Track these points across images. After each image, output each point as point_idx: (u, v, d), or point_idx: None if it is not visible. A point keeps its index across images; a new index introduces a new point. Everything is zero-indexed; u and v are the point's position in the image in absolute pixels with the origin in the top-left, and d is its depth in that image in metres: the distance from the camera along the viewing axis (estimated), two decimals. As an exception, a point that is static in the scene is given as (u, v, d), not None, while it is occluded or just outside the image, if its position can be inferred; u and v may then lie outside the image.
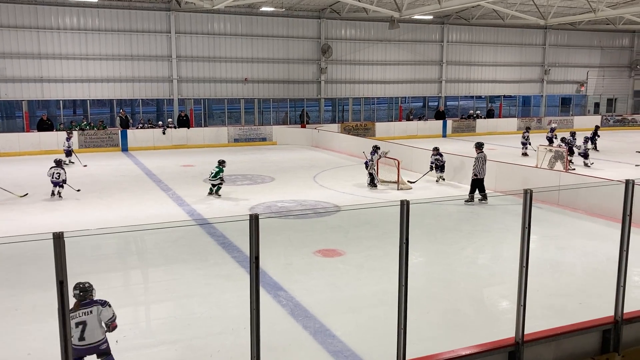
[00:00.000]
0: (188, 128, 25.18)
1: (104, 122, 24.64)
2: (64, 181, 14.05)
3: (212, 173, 14.37)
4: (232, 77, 26.91)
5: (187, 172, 18.32)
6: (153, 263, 9.32)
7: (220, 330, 6.56)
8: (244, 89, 27.27)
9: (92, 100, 25.42)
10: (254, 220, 3.88)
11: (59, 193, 13.98)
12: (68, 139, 20.45)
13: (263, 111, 29.08)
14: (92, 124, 24.16)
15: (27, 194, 14.23)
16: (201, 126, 26.82)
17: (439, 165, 16.05)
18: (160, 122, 25.48)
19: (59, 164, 14.20)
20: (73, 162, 19.69)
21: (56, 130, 23.26)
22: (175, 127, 24.97)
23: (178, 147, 24.58)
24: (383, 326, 6.66)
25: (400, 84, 30.88)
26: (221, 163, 14.52)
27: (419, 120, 31.00)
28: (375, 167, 15.75)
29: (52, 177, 13.91)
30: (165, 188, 15.57)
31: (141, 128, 24.91)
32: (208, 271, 8.74)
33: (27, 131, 23.34)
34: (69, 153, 20.07)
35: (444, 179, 16.01)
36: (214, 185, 14.41)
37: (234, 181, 16.76)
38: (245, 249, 9.55)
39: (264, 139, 26.59)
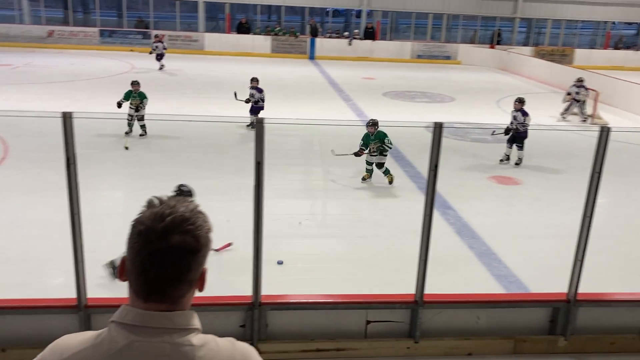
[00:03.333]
0: (373, 40, 25.14)
1: (295, 29, 25.56)
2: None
3: None
4: (424, -10, 25.94)
5: (368, 85, 18.52)
6: (331, 164, 9.81)
7: (387, 235, 6.82)
8: (434, 3, 26.19)
9: (286, 7, 26.35)
10: (438, 128, 3.88)
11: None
12: (159, 41, 19.39)
13: (451, 28, 27.84)
14: (284, 31, 25.21)
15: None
16: (386, 40, 26.59)
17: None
18: (346, 33, 25.74)
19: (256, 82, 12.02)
20: (164, 66, 19.08)
21: (252, 34, 24.71)
22: (361, 39, 25.08)
23: (361, 59, 24.76)
24: (554, 259, 6.40)
25: (611, 6, 27.15)
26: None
27: (628, 49, 27.36)
28: (575, 101, 14.34)
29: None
30: (346, 98, 15.98)
31: (329, 38, 25.44)
32: (380, 180, 8.98)
33: (228, 32, 25.15)
34: (161, 56, 19.15)
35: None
36: None
37: (412, 98, 16.61)
38: (417, 164, 9.61)
39: (448, 57, 25.64)
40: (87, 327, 3.84)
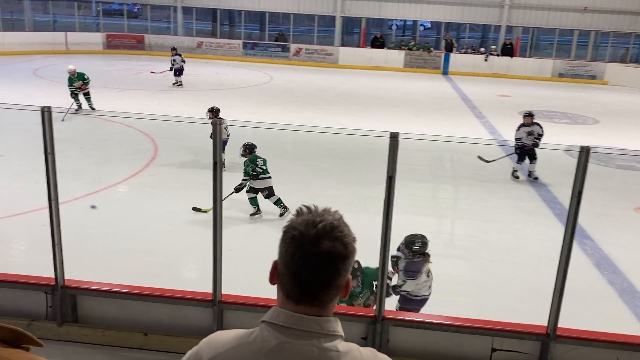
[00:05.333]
0: (511, 57, 24.18)
1: (430, 44, 25.32)
2: None
3: None
4: (569, 5, 24.42)
5: (503, 102, 17.84)
6: (461, 182, 9.58)
7: (517, 260, 6.51)
8: (580, 19, 24.61)
9: (421, 22, 26.21)
10: (585, 152, 3.65)
11: None
12: (177, 54, 17.41)
13: (599, 46, 25.98)
14: (418, 46, 25.08)
15: None
16: (525, 57, 25.43)
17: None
18: (482, 49, 25.03)
19: None
20: (181, 83, 17.50)
21: (386, 49, 24.85)
22: (498, 55, 24.25)
23: (498, 75, 23.89)
24: None
25: None
26: None
27: None
28: None
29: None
30: (479, 115, 15.52)
31: (464, 53, 24.90)
32: (512, 202, 8.62)
33: (362, 47, 25.53)
34: (178, 71, 17.39)
35: None
36: None
37: (551, 118, 15.73)
38: (554, 189, 9.09)
39: (593, 77, 23.95)
40: (219, 321, 4.08)
